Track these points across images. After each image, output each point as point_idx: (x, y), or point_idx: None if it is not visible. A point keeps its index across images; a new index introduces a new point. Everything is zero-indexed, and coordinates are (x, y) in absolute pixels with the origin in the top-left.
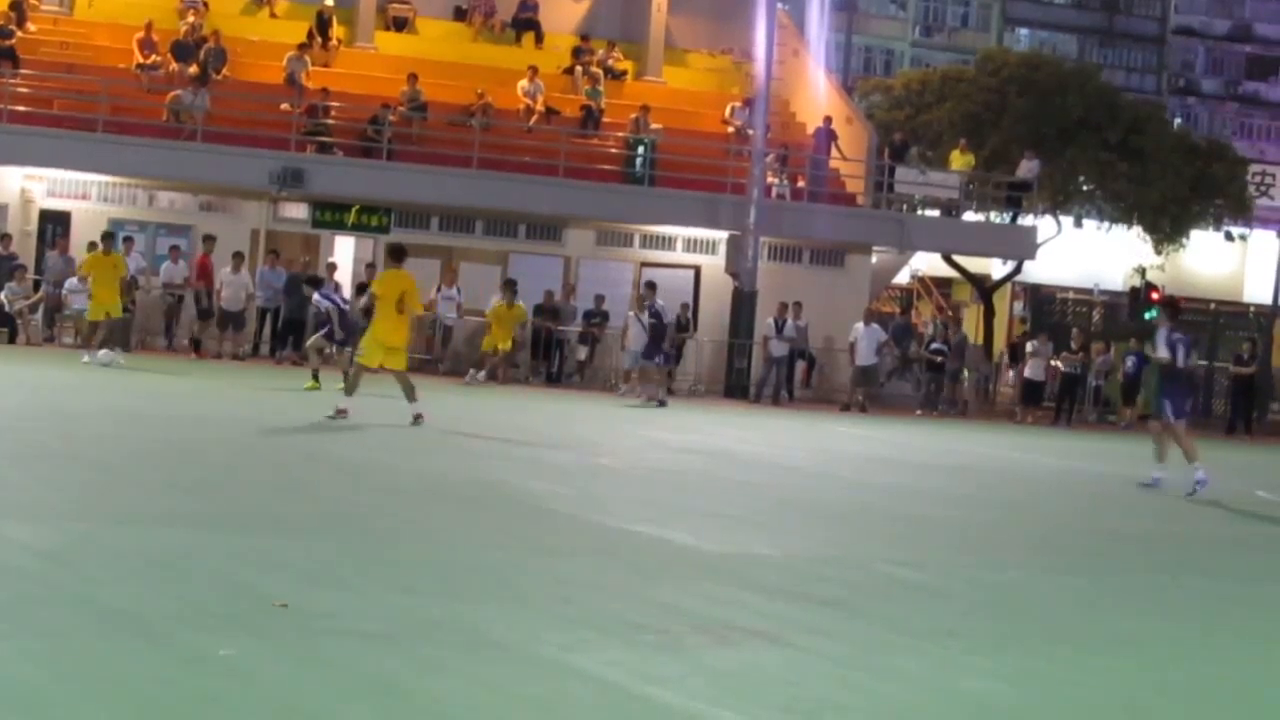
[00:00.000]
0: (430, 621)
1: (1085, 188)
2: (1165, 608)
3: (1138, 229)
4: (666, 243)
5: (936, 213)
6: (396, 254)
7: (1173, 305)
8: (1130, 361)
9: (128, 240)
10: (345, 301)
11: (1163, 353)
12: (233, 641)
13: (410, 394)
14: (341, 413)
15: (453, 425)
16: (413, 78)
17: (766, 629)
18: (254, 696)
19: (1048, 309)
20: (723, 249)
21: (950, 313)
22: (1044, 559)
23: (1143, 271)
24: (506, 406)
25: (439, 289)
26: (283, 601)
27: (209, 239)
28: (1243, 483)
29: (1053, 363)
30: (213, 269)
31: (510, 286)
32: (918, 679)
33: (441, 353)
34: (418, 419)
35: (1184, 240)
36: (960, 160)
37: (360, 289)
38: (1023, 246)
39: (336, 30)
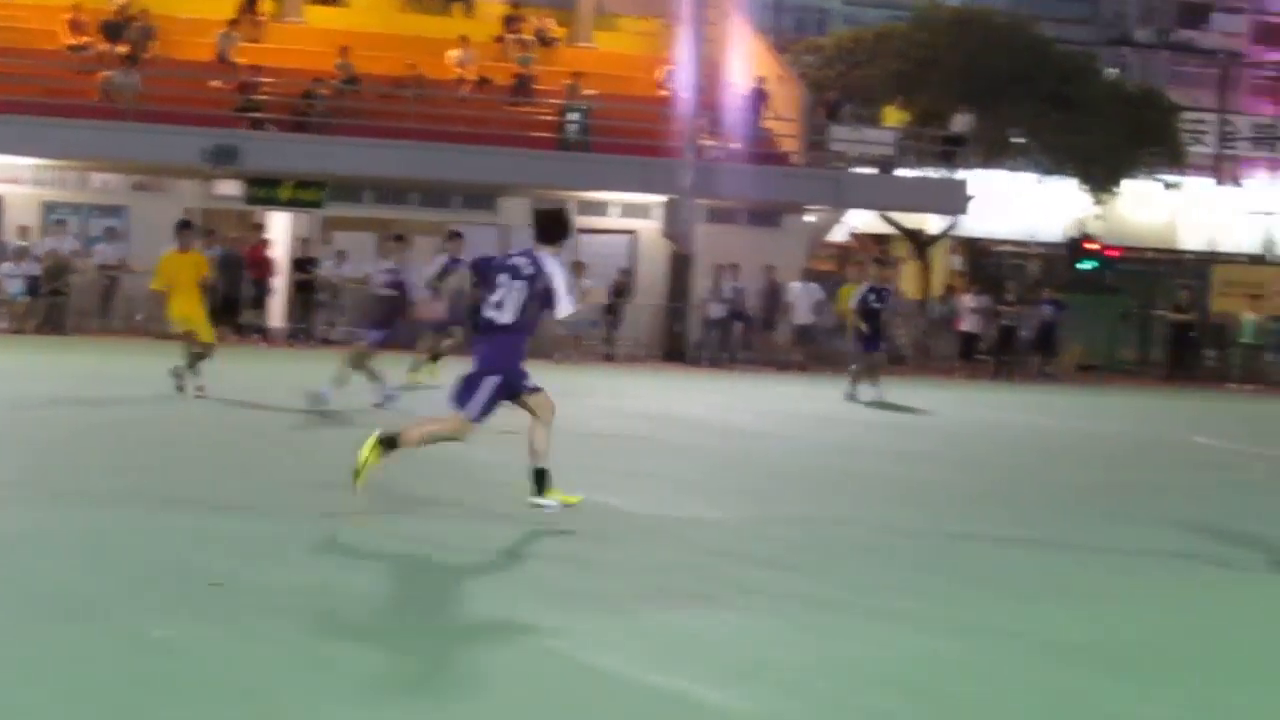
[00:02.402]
0: (364, 595)
1: (1020, 140)
2: (1111, 557)
3: (1074, 180)
4: (603, 209)
5: (872, 170)
6: (183, 232)
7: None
8: (1048, 310)
9: (60, 223)
10: None
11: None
12: (169, 622)
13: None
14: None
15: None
16: (344, 51)
17: (708, 591)
18: (190, 676)
19: (985, 262)
20: (659, 213)
21: (876, 268)
22: (988, 512)
23: (1080, 222)
24: (446, 378)
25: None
26: (218, 580)
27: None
28: (1184, 429)
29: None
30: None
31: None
32: (861, 636)
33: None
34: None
35: (1116, 189)
36: (894, 117)
37: (298, 265)
38: (956, 201)
39: (265, 5)
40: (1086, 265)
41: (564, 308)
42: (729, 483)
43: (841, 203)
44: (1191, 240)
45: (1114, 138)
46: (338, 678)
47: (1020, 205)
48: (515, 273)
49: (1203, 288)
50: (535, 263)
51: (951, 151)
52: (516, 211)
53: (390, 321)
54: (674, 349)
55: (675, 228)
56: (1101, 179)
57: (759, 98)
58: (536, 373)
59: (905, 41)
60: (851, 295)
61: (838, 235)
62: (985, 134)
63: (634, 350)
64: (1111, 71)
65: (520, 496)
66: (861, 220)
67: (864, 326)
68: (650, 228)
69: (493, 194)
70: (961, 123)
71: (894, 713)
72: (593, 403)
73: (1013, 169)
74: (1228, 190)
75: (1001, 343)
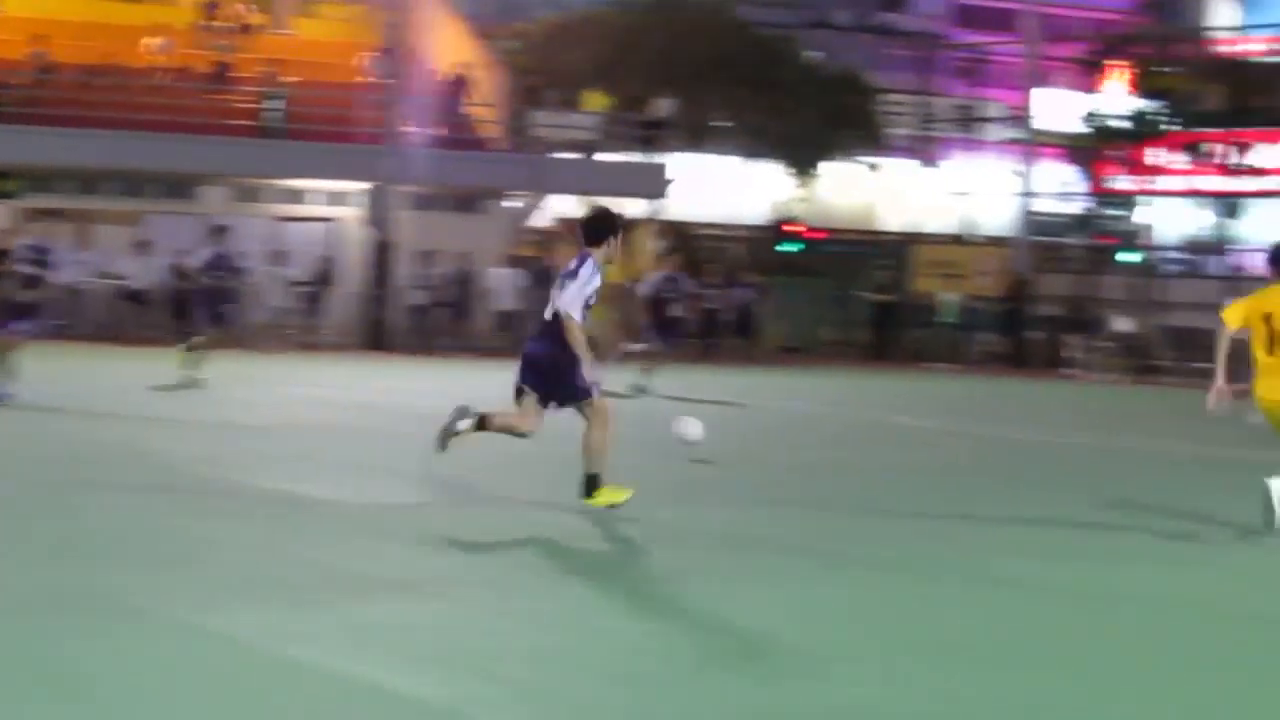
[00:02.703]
0: (66, 592)
1: (722, 124)
2: (836, 536)
3: (776, 163)
4: (305, 196)
5: (574, 155)
6: None
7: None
8: (745, 293)
9: None
10: None
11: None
12: None
13: None
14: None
15: (94, 392)
16: (39, 39)
17: (409, 580)
18: None
19: (689, 245)
20: (361, 200)
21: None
22: (696, 495)
23: (782, 205)
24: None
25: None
26: None
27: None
28: (884, 410)
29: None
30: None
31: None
32: (563, 622)
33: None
34: None
35: (817, 172)
36: (597, 102)
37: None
38: (657, 184)
39: None
40: (789, 247)
41: (563, 301)
42: (434, 470)
43: (543, 188)
44: (892, 221)
45: (814, 121)
46: (29, 674)
47: (724, 188)
48: (567, 276)
49: (904, 268)
50: (580, 263)
51: (653, 136)
52: (215, 200)
53: (33, 311)
54: (376, 337)
55: (376, 215)
56: (803, 161)
57: (461, 84)
58: (235, 364)
59: (607, 27)
60: (645, 282)
61: (540, 221)
62: (687, 118)
63: (336, 339)
64: (813, 55)
65: (222, 490)
66: (564, 205)
67: (653, 315)
68: (352, 215)
69: (192, 183)
70: (663, 107)
71: (598, 699)
72: (294, 392)
73: (716, 152)
74: (928, 171)
75: (705, 325)
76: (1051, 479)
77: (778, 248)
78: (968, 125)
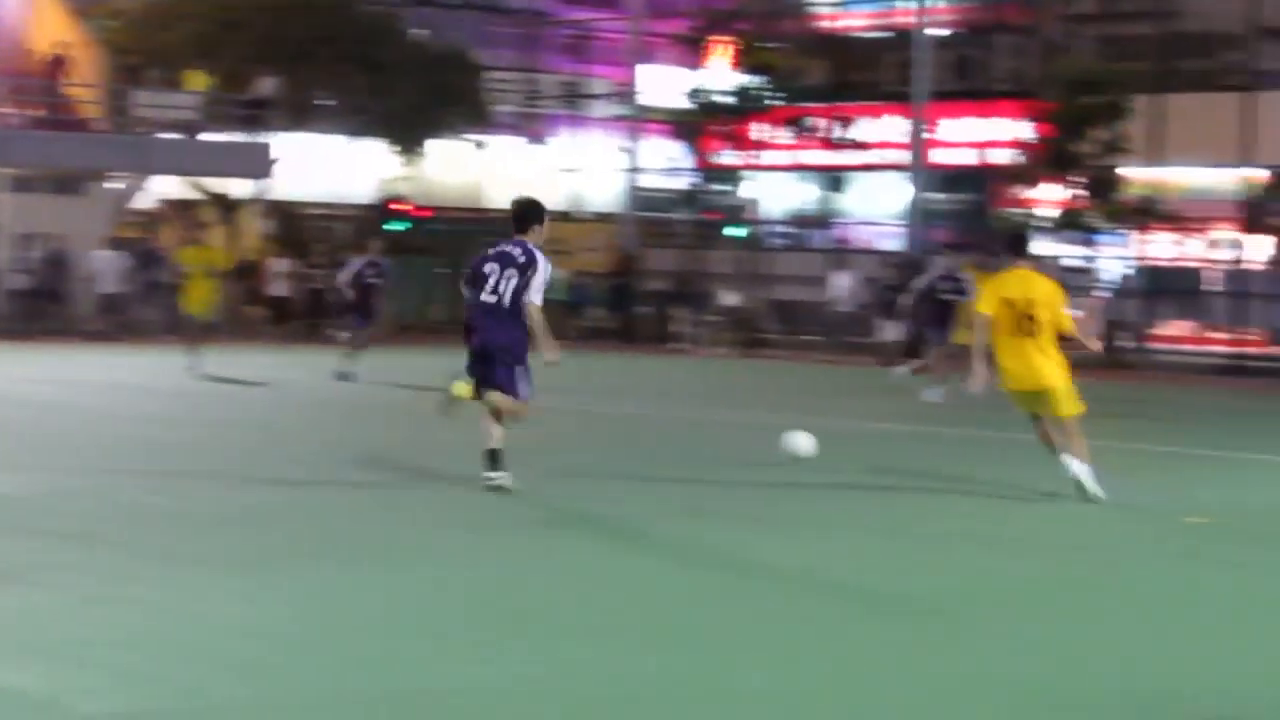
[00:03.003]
0: None
1: (327, 102)
2: (416, 516)
3: (382, 141)
4: None
5: (176, 135)
6: None
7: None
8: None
9: None
10: None
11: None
12: None
13: None
14: None
15: None
16: None
17: (3, 569)
18: None
19: (295, 226)
20: None
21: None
22: (297, 477)
23: (388, 184)
24: None
25: None
26: None
27: None
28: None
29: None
30: None
31: None
32: (161, 606)
33: None
34: None
35: (423, 150)
36: (200, 81)
37: None
38: (261, 164)
39: None
40: (396, 226)
41: (532, 292)
42: (27, 457)
43: (145, 169)
44: (501, 199)
45: (419, 99)
46: None
47: (330, 168)
48: (508, 261)
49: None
50: (527, 252)
51: (256, 115)
52: None
53: None
54: None
55: None
56: (408, 140)
57: (59, 63)
58: None
59: (207, 4)
60: (347, 266)
61: (144, 202)
62: (291, 97)
63: None
64: (417, 33)
65: None
66: (167, 186)
67: (353, 297)
68: None
69: None
70: (266, 86)
71: (201, 683)
72: None
73: (321, 132)
74: (535, 148)
75: (312, 306)
76: (652, 451)
77: (385, 227)
78: (574, 102)
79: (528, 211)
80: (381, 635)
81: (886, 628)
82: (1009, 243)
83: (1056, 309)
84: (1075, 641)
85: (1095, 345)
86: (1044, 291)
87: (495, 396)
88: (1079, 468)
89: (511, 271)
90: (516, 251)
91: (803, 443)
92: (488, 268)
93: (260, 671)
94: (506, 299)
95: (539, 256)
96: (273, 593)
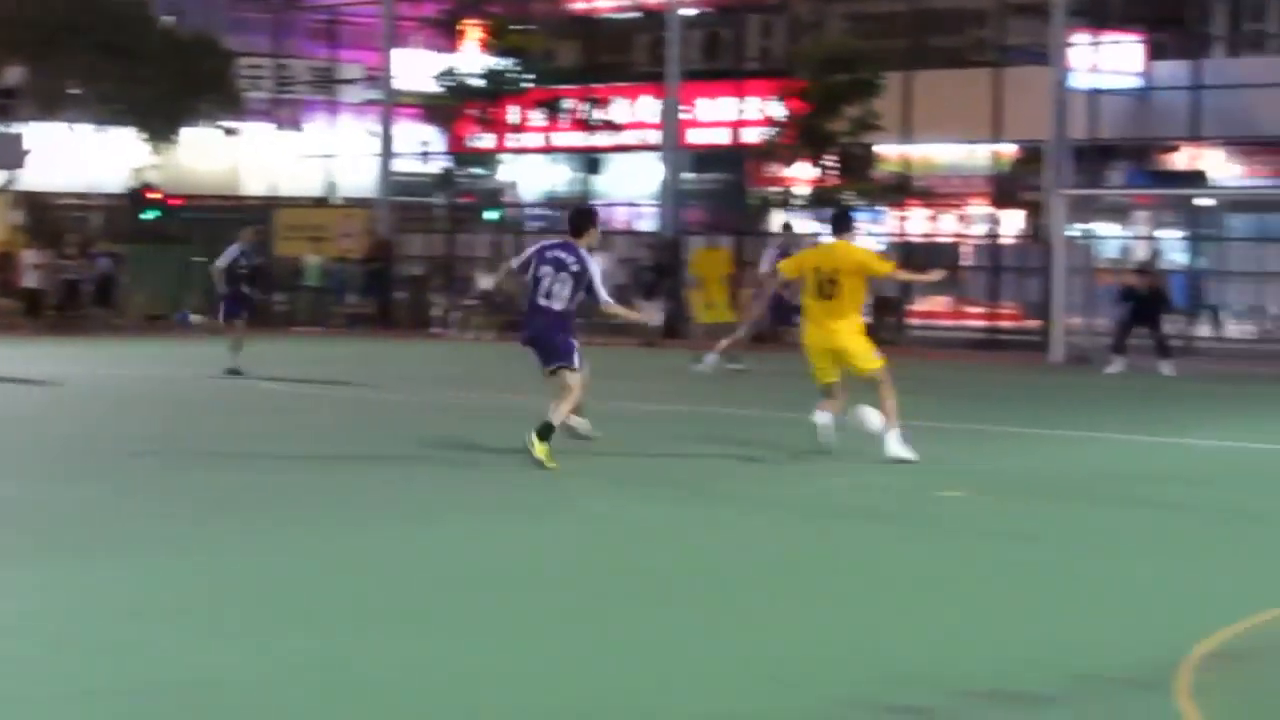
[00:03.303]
0: None
1: (76, 91)
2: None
3: (133, 130)
4: None
5: None
6: None
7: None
8: (104, 263)
9: None
10: None
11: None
12: None
13: None
14: None
15: None
16: None
17: None
18: None
19: (47, 216)
20: None
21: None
22: (47, 469)
23: (140, 172)
24: None
25: None
26: None
27: None
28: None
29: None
30: None
31: None
32: None
33: None
34: None
35: (175, 138)
36: None
37: None
38: (12, 155)
39: None
40: (149, 215)
41: (602, 294)
42: None
43: None
44: (254, 186)
45: (169, 86)
46: None
47: (81, 157)
48: (561, 266)
49: (267, 232)
50: (580, 260)
51: (4, 105)
52: None
53: None
54: None
55: None
56: (159, 128)
57: None
58: None
59: None
60: (222, 256)
61: None
62: (39, 86)
63: None
64: (168, 19)
65: None
66: None
67: (227, 289)
68: None
69: None
70: (13, 75)
71: None
72: None
73: (71, 121)
74: (288, 134)
75: (66, 297)
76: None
77: (140, 216)
78: (327, 87)
79: (583, 217)
80: (128, 626)
81: (622, 610)
82: (833, 219)
83: (862, 276)
84: (823, 620)
85: (935, 275)
86: (852, 261)
87: (563, 375)
88: (886, 434)
89: (565, 277)
90: (570, 259)
91: (870, 419)
92: (543, 270)
93: (8, 665)
94: (557, 304)
95: (589, 261)
96: (7, 585)
